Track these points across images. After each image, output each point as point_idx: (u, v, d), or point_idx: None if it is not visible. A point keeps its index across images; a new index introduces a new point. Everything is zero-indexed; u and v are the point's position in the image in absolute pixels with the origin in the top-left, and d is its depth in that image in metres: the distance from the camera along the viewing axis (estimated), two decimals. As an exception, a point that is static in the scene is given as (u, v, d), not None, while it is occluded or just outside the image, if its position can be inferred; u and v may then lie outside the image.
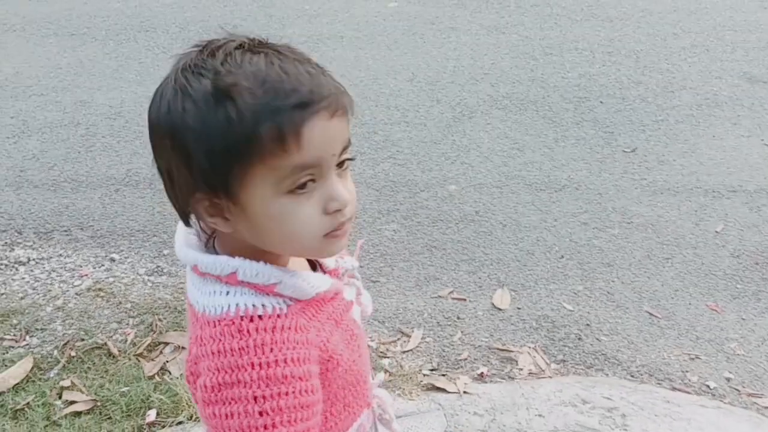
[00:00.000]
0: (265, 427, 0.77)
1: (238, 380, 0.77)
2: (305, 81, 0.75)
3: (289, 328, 0.80)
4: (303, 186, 0.77)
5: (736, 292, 2.45)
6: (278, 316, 0.80)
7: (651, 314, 2.37)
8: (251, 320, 0.79)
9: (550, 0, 5.28)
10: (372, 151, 3.40)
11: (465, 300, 2.46)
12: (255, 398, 0.77)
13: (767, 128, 3.49)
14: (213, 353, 0.79)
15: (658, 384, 2.08)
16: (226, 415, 0.78)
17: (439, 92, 3.96)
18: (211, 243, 0.87)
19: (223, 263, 0.81)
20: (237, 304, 0.80)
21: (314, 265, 0.94)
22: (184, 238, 0.87)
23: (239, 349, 0.78)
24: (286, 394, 0.78)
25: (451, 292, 2.49)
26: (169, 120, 0.76)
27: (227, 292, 0.81)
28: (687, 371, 2.14)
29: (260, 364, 0.77)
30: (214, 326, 0.80)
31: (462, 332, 2.30)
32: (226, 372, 0.78)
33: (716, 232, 2.75)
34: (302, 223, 0.79)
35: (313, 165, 0.76)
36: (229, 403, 0.78)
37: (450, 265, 2.64)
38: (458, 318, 2.37)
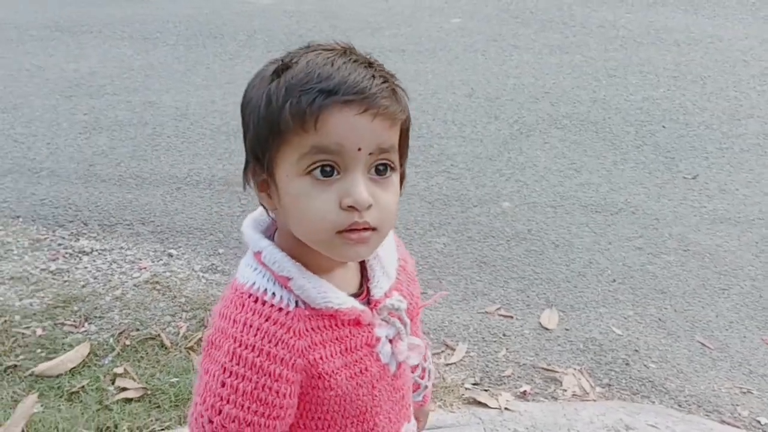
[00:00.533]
0: (221, 398, 0.82)
1: (221, 345, 0.83)
2: (345, 75, 0.78)
3: (282, 325, 0.83)
4: (324, 173, 0.78)
5: (796, 328, 2.37)
6: (280, 309, 0.84)
7: (703, 344, 2.31)
8: (255, 301, 0.84)
9: (617, 22, 5.22)
10: (427, 164, 3.43)
11: (512, 317, 2.44)
12: (224, 368, 0.82)
13: (838, 162, 3.37)
14: (219, 314, 0.86)
15: (707, 416, 2.02)
16: (205, 371, 0.84)
17: (498, 109, 3.96)
18: (273, 231, 0.91)
19: (255, 240, 0.88)
20: (254, 282, 0.85)
21: (363, 287, 0.91)
22: (258, 214, 0.93)
23: (233, 319, 0.83)
24: (249, 380, 0.82)
25: (499, 308, 2.49)
26: (245, 93, 0.85)
27: (255, 269, 0.87)
28: (738, 405, 2.07)
29: (239, 342, 0.82)
30: (233, 292, 0.86)
31: (507, 349, 2.29)
32: (218, 334, 0.84)
33: (777, 265, 2.67)
34: (316, 209, 0.79)
35: (331, 151, 0.78)
36: (210, 361, 0.84)
37: (499, 281, 2.63)
38: (504, 335, 2.36)
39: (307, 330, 0.83)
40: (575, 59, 4.61)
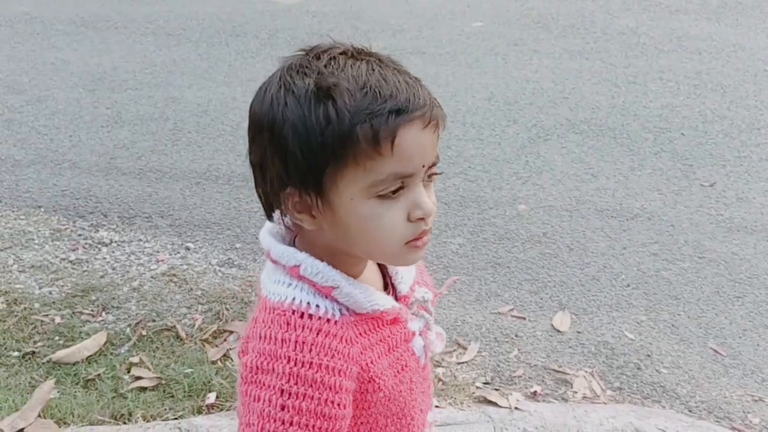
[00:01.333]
0: (282, 422, 0.79)
1: (272, 369, 0.79)
2: (402, 89, 0.77)
3: (335, 336, 0.81)
4: (395, 192, 0.79)
5: (810, 338, 2.35)
6: (328, 320, 0.82)
7: (716, 351, 2.30)
8: (301, 316, 0.81)
9: (638, 29, 5.20)
10: (444, 165, 3.37)
11: (524, 318, 2.45)
12: (281, 391, 0.79)
13: None
14: (260, 336, 0.82)
15: (717, 422, 2.02)
16: (255, 398, 0.80)
17: (517, 113, 3.97)
18: (292, 240, 0.89)
19: (290, 254, 0.84)
20: (294, 297, 0.82)
21: (387, 286, 0.93)
22: (271, 226, 0.90)
23: (282, 340, 0.80)
24: (311, 398, 0.79)
25: (512, 309, 2.49)
26: (271, 113, 0.78)
27: (289, 284, 0.84)
28: (749, 412, 2.07)
29: (295, 361, 0.79)
30: (270, 312, 0.83)
31: (519, 350, 2.30)
32: (264, 358, 0.80)
33: (794, 274, 2.65)
34: (387, 227, 0.80)
35: (407, 175, 0.78)
36: (260, 387, 0.80)
37: (513, 283, 2.64)
38: (516, 336, 2.37)
39: (356, 336, 0.83)
40: (595, 65, 4.61)
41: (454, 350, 2.30)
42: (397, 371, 0.88)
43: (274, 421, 0.79)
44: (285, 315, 0.81)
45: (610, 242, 2.86)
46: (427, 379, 0.97)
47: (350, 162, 0.76)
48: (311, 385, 0.79)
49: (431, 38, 5.12)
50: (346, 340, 0.82)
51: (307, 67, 0.79)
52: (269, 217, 0.88)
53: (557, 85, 4.31)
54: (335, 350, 0.80)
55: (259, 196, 0.87)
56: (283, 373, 0.79)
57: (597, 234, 2.91)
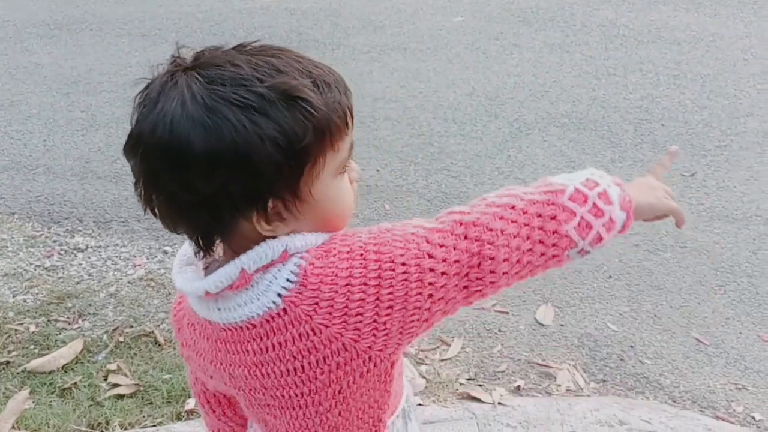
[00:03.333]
0: (421, 244, 0.78)
1: (364, 244, 0.78)
2: (327, 69, 0.80)
3: None
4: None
5: (792, 325, 2.35)
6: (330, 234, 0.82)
7: (699, 341, 2.30)
8: (318, 248, 0.79)
9: (618, 21, 5.20)
10: (426, 161, 3.42)
11: (508, 313, 2.43)
12: (386, 230, 0.80)
13: (838, 159, 3.35)
14: (334, 290, 0.76)
15: (701, 411, 2.01)
16: (439, 242, 0.78)
17: (498, 107, 3.95)
18: (210, 265, 0.85)
19: (273, 245, 0.78)
20: (300, 258, 0.78)
21: None
22: (191, 271, 0.84)
23: (338, 253, 0.78)
24: (400, 227, 0.80)
25: (495, 304, 2.47)
26: (240, 139, 0.72)
27: (282, 266, 0.78)
28: (732, 401, 2.06)
29: (362, 238, 0.78)
30: (305, 287, 0.76)
31: (502, 345, 2.28)
32: (362, 271, 0.76)
33: (775, 262, 2.65)
34: (347, 196, 0.83)
35: (353, 142, 0.82)
36: (389, 249, 0.77)
37: (495, 278, 2.62)
38: (500, 330, 2.35)
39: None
40: (575, 58, 4.60)
41: (438, 347, 2.28)
42: None
43: (418, 236, 0.78)
44: (314, 258, 0.77)
45: (593, 234, 2.85)
46: None
47: (328, 149, 0.77)
48: (389, 230, 0.80)
49: (412, 34, 5.09)
50: None
51: (237, 78, 0.74)
52: (210, 251, 0.81)
53: (538, 79, 4.30)
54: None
55: (201, 232, 0.79)
56: (369, 236, 0.78)
57: (579, 226, 2.90)
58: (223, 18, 5.44)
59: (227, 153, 0.72)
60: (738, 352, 2.24)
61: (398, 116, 3.86)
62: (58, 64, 4.63)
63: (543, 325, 2.37)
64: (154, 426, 1.96)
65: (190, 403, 2.01)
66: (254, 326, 0.80)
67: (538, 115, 3.84)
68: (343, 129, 0.79)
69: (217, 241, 0.81)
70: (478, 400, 2.01)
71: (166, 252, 2.76)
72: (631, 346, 2.26)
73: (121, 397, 2.06)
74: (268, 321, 0.79)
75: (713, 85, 4.12)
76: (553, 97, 4.04)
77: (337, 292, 0.76)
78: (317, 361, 0.79)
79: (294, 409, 0.84)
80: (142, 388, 2.08)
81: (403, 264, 0.76)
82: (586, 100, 4.01)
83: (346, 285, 0.76)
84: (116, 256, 2.74)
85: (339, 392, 0.81)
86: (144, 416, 1.98)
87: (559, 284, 2.57)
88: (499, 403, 1.98)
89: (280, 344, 0.79)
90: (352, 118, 0.80)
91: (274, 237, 0.79)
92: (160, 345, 2.25)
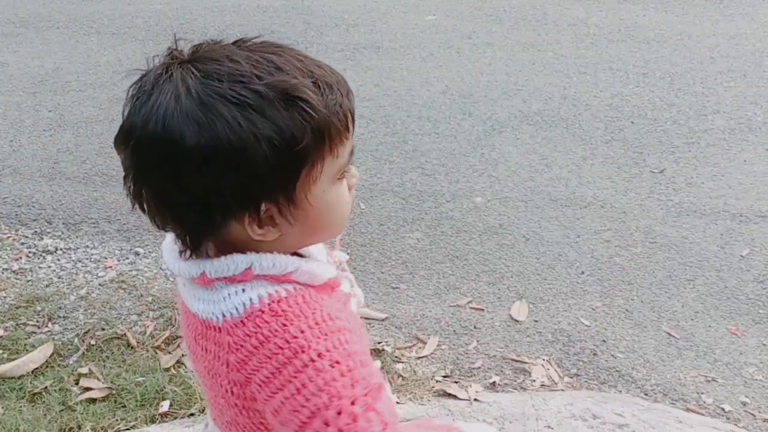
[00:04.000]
0: (342, 374, 0.72)
1: (294, 351, 0.72)
2: (329, 70, 0.78)
3: (316, 295, 0.79)
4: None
5: (758, 317, 2.40)
6: (303, 293, 0.78)
7: (669, 334, 2.33)
8: (279, 302, 0.76)
9: (588, 20, 5.26)
10: (401, 160, 3.42)
11: (483, 310, 2.45)
12: (319, 354, 0.72)
13: (802, 155, 3.42)
14: (255, 347, 0.74)
15: (672, 404, 2.04)
16: (295, 391, 0.72)
17: (471, 106, 3.97)
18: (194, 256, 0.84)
19: (238, 260, 0.77)
20: (259, 295, 0.76)
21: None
22: (174, 251, 0.83)
23: (281, 326, 0.74)
24: (347, 342, 0.74)
25: (470, 301, 2.49)
26: (234, 138, 0.70)
27: (243, 290, 0.77)
28: (702, 393, 2.10)
29: (309, 326, 0.73)
30: (242, 326, 0.76)
31: (478, 341, 2.29)
32: (277, 352, 0.73)
33: (741, 256, 2.70)
34: (345, 203, 0.82)
35: (353, 148, 0.80)
36: (294, 378, 0.72)
37: (470, 275, 2.63)
38: (475, 327, 2.36)
39: (328, 300, 0.82)
40: (547, 56, 4.64)
41: (414, 345, 2.28)
42: (359, 328, 0.87)
43: (335, 380, 0.72)
44: (264, 312, 0.75)
45: (565, 231, 2.88)
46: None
47: (326, 154, 0.75)
48: (340, 332, 0.75)
49: (385, 32, 5.09)
50: (324, 297, 0.81)
51: (236, 74, 0.72)
52: (196, 251, 0.80)
53: (510, 77, 4.33)
54: (324, 301, 0.79)
55: (191, 229, 0.78)
56: (308, 342, 0.73)
57: (552, 223, 2.93)
58: (194, 16, 5.38)
59: (220, 151, 0.70)
60: (707, 345, 2.28)
61: (372, 115, 3.86)
62: (24, 63, 4.54)
63: (517, 321, 2.39)
64: (128, 429, 1.93)
65: (164, 406, 1.99)
66: (200, 322, 0.80)
67: (510, 113, 3.87)
68: (344, 133, 0.76)
69: (205, 242, 0.80)
70: (454, 397, 2.02)
71: (137, 253, 2.73)
72: (604, 341, 2.29)
73: (93, 401, 2.03)
74: (206, 326, 0.79)
75: (681, 83, 4.19)
76: (526, 96, 4.08)
77: (256, 353, 0.75)
78: (222, 383, 0.79)
79: (217, 399, 0.85)
80: (114, 392, 2.05)
81: (321, 391, 0.72)
82: (558, 98, 4.05)
83: (267, 357, 0.74)
84: (86, 258, 2.70)
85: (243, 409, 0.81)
86: (117, 420, 1.96)
87: (533, 280, 2.59)
88: (475, 400, 2.00)
89: (207, 350, 0.80)
90: (353, 122, 0.78)
91: (264, 241, 0.78)
92: (132, 347, 2.23)
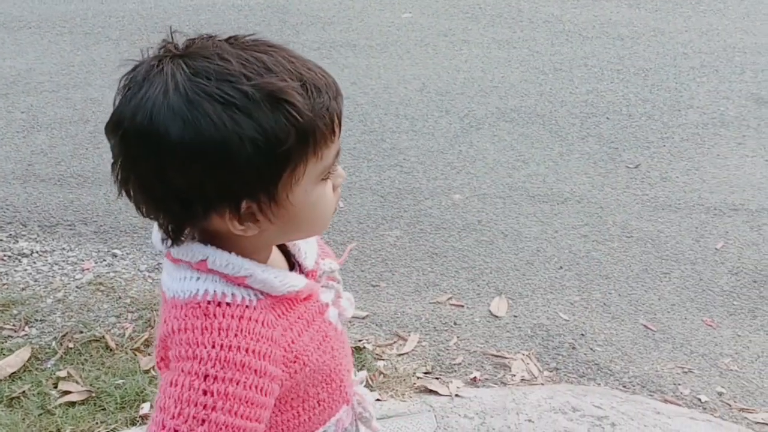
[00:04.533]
0: (204, 407, 0.75)
1: (194, 355, 0.77)
2: (320, 72, 0.79)
3: (256, 321, 0.80)
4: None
5: (733, 309, 2.45)
6: (246, 306, 0.80)
7: (646, 327, 2.37)
8: (218, 305, 0.79)
9: (563, 17, 5.31)
10: (379, 158, 3.43)
11: (463, 306, 2.46)
12: (205, 376, 0.76)
13: (773, 149, 3.49)
14: (177, 330, 0.79)
15: (650, 395, 2.08)
16: (173, 383, 0.77)
17: (449, 103, 3.99)
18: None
19: (195, 249, 0.81)
20: (206, 289, 0.80)
21: (292, 265, 0.94)
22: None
23: (202, 328, 0.78)
24: (237, 382, 0.76)
25: (450, 298, 2.50)
26: (218, 136, 0.72)
27: (197, 278, 0.81)
28: (679, 384, 2.13)
29: (221, 345, 0.77)
30: (182, 308, 0.80)
31: (458, 337, 2.31)
32: (185, 347, 0.78)
33: (716, 249, 2.75)
34: (328, 203, 0.83)
35: (340, 149, 0.81)
36: (181, 373, 0.77)
37: (450, 272, 2.65)
38: (455, 323, 2.38)
39: (276, 318, 0.83)
40: (523, 53, 4.68)
41: (395, 342, 2.29)
42: (319, 343, 0.88)
43: (195, 405, 0.75)
44: (200, 307, 0.80)
45: (543, 226, 2.91)
46: (346, 342, 1.00)
47: (310, 156, 0.77)
48: (239, 370, 0.77)
49: (361, 30, 5.09)
50: (267, 324, 0.81)
51: (224, 73, 0.73)
52: (178, 241, 0.82)
53: (487, 74, 4.35)
54: (259, 334, 0.79)
55: (173, 222, 0.80)
56: (209, 358, 0.76)
57: (530, 219, 2.96)
58: (168, 15, 5.33)
59: (204, 148, 0.72)
60: (684, 337, 2.32)
61: (350, 113, 3.86)
62: (-5, 64, 4.47)
63: (497, 316, 2.41)
64: (108, 432, 1.92)
65: (145, 408, 1.98)
66: (162, 292, 0.86)
67: (487, 110, 3.90)
68: (329, 136, 0.77)
69: (188, 232, 0.82)
70: (436, 393, 2.03)
71: (115, 255, 2.70)
72: (582, 335, 2.32)
73: (72, 404, 2.01)
74: (163, 296, 0.85)
75: (655, 79, 4.24)
76: (502, 92, 4.11)
77: (174, 336, 0.80)
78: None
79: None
80: (94, 395, 2.03)
81: (174, 401, 0.77)
82: (534, 94, 4.08)
83: (177, 344, 0.79)
84: (63, 261, 2.67)
85: None
86: (97, 423, 1.94)
87: (512, 276, 2.62)
88: (456, 395, 2.01)
89: (164, 320, 0.84)
90: (340, 125, 0.79)
91: (245, 236, 0.80)
92: (111, 350, 2.21)
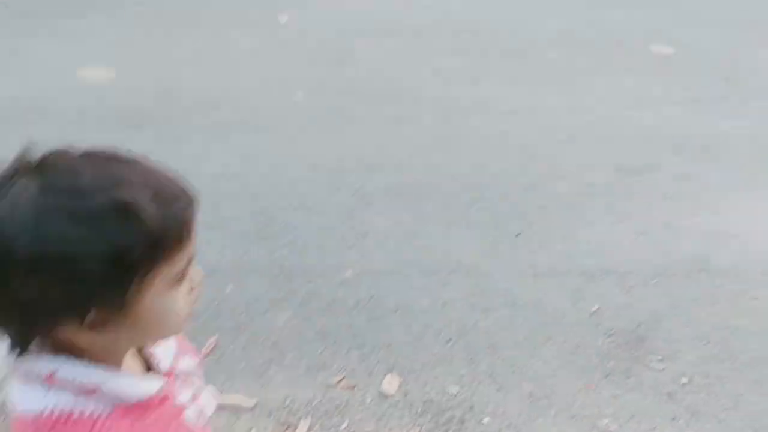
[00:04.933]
0: None
1: None
2: (172, 180, 0.82)
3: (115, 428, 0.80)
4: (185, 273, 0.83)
5: (608, 370, 2.57)
6: (96, 420, 0.79)
7: (531, 394, 2.45)
8: (66, 422, 0.78)
9: (446, 96, 5.59)
10: (270, 237, 3.43)
11: (354, 387, 2.46)
12: None
13: (637, 214, 3.75)
14: None
15: (535, 464, 2.13)
16: None
17: (340, 180, 4.07)
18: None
19: (43, 361, 0.80)
20: (55, 405, 0.79)
21: (149, 366, 0.93)
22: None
23: None
24: None
25: (341, 379, 2.49)
26: (61, 248, 0.73)
27: (46, 392, 0.80)
28: (563, 450, 2.20)
29: None
30: (30, 426, 0.79)
31: (349, 421, 2.29)
32: None
33: (591, 312, 2.90)
34: (180, 307, 0.84)
35: (194, 253, 0.83)
36: None
37: (341, 351, 2.65)
38: (346, 406, 2.37)
39: (130, 427, 0.81)
40: (409, 130, 4.87)
41: (285, 431, 2.24)
42: None
43: None
44: (47, 426, 0.78)
45: (432, 299, 2.98)
46: None
47: (161, 264, 0.78)
48: None
49: (252, 110, 5.15)
50: None
51: (72, 187, 0.75)
52: (26, 351, 0.81)
53: (377, 151, 4.49)
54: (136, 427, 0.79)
55: (12, 332, 0.80)
56: None
57: (420, 292, 3.02)
58: (52, 99, 5.20)
59: (51, 263, 0.74)
60: (566, 401, 2.41)
61: (239, 193, 3.86)
62: None
63: (388, 395, 2.41)
64: None
65: None
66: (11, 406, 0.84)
67: (377, 185, 4.00)
68: (181, 243, 0.80)
69: (35, 342, 0.81)
70: (327, 481, 2.00)
71: None
72: (471, 407, 2.36)
73: None
74: (14, 415, 0.82)
75: (532, 152, 4.52)
76: (391, 168, 4.24)
77: None
78: None
79: None
80: None
81: None
82: (421, 168, 4.24)
83: None
84: None
85: None
86: None
87: (403, 352, 2.64)
88: (347, 482, 1.98)
89: None
90: (193, 231, 0.82)
91: (96, 343, 0.80)
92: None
